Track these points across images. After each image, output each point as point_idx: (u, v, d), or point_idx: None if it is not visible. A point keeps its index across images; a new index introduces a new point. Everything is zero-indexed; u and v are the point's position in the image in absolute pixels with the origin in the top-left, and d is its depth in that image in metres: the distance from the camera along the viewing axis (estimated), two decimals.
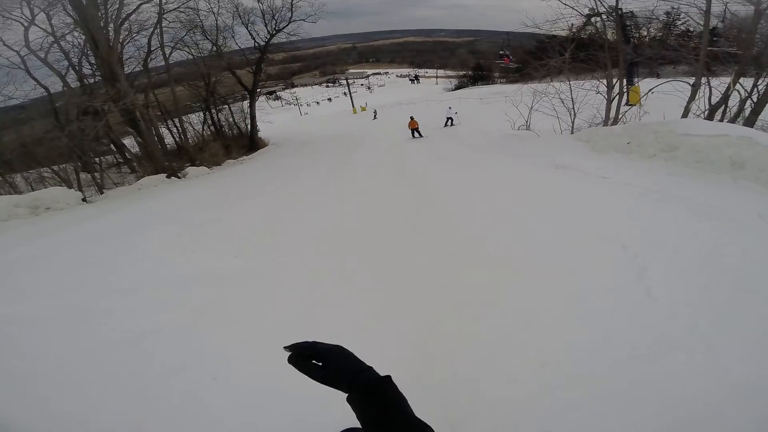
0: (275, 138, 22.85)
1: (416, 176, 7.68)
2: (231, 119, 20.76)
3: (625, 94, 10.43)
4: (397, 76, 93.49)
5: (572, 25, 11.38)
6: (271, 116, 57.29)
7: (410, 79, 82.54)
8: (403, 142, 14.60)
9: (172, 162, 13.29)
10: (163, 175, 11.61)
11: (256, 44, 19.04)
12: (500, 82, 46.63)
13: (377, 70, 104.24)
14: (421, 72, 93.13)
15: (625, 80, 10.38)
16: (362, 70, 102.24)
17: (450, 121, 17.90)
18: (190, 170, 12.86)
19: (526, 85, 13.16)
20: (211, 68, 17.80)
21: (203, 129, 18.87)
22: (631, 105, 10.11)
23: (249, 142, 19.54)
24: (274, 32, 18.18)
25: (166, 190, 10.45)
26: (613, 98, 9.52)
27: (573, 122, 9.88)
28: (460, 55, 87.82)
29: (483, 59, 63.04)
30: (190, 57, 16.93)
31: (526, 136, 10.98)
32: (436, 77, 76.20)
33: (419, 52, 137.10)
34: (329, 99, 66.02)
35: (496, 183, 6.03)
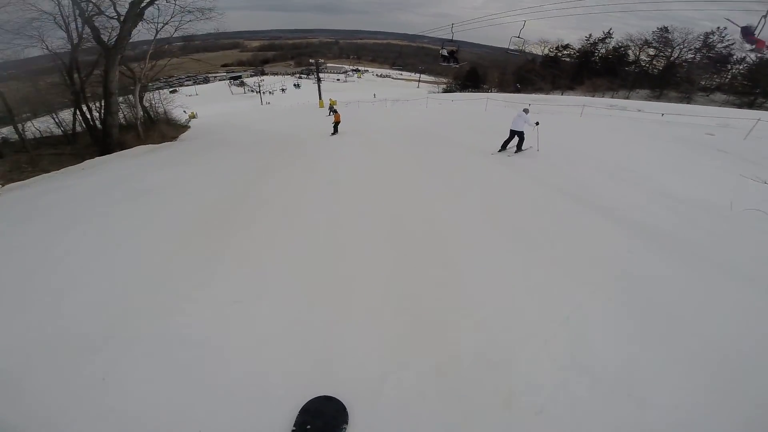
0: (202, 130, 17.82)
1: None
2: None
3: None
4: (376, 75, 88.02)
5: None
6: (229, 104, 50.19)
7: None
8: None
9: None
10: None
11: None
12: (493, 90, 42.43)
13: (357, 67, 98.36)
14: (397, 74, 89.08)
15: None
16: (340, 65, 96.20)
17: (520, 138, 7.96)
18: None
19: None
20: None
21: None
22: None
23: (102, 140, 12.66)
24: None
25: None
26: None
27: None
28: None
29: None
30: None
31: None
32: (419, 81, 71.62)
33: (401, 54, 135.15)
34: (283, 89, 58.96)
35: None
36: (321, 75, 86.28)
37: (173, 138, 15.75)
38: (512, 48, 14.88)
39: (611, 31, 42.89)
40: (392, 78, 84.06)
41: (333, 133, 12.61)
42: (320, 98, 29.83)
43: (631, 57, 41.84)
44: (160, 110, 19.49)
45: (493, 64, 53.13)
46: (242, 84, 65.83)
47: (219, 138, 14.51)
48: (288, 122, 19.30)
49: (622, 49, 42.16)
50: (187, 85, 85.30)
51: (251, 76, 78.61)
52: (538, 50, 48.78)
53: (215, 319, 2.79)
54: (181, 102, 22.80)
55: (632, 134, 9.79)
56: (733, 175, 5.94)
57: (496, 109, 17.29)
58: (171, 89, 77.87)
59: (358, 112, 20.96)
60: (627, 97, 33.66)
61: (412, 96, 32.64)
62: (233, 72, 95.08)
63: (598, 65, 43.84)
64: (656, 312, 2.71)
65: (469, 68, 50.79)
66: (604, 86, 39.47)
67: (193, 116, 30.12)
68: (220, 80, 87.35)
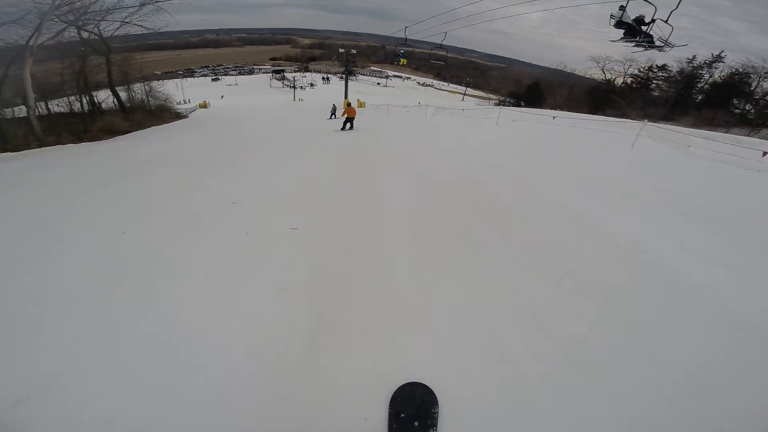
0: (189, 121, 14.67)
1: None
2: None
3: None
4: (418, 83, 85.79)
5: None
6: (262, 96, 49.82)
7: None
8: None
9: None
10: None
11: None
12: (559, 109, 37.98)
13: (399, 73, 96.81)
14: (440, 84, 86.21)
15: None
16: (383, 70, 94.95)
17: None
18: None
19: None
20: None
21: None
22: None
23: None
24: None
25: None
26: None
27: None
28: (492, 77, 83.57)
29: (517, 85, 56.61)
30: None
31: None
32: (464, 93, 68.35)
33: (448, 65, 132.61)
34: (312, 85, 58.28)
35: None
36: (361, 77, 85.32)
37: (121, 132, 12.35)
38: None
39: (722, 55, 34.54)
40: (434, 88, 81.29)
41: (344, 129, 11.84)
42: (346, 97, 27.69)
43: (754, 87, 33.00)
44: (159, 96, 17.58)
45: (557, 81, 47.93)
46: (283, 78, 65.97)
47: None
48: (296, 124, 16.87)
49: (741, 77, 33.72)
50: (232, 75, 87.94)
51: (295, 71, 79.13)
52: (614, 70, 41.77)
53: None
54: (217, 91, 21.37)
55: None
56: None
57: (646, 145, 9.22)
58: (213, 77, 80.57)
59: (380, 120, 16.84)
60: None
61: (460, 106, 28.51)
62: (278, 66, 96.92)
63: (706, 93, 35.57)
64: None
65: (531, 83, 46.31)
66: (720, 120, 31.19)
67: (204, 105, 28.39)
68: (264, 72, 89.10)
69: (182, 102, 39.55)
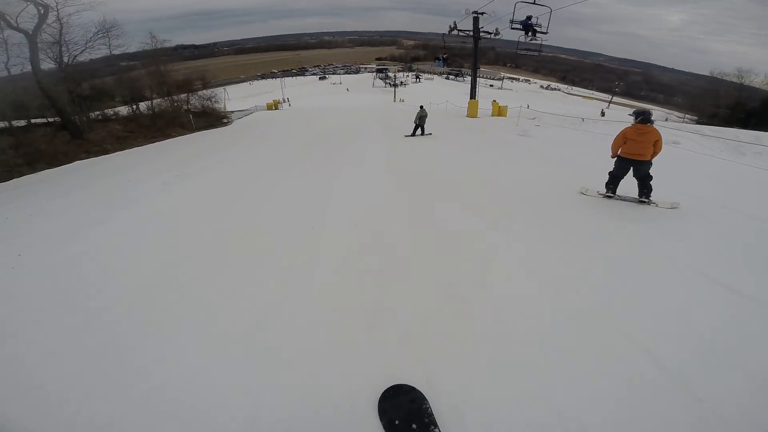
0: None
1: None
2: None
3: None
4: (541, 86, 72.13)
5: None
6: (362, 95, 45.36)
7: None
8: None
9: None
10: None
11: None
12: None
13: (515, 75, 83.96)
14: (567, 88, 70.58)
15: None
16: (496, 71, 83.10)
17: None
18: None
19: None
20: None
21: None
22: None
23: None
24: None
25: None
26: None
27: None
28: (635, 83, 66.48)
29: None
30: None
31: None
32: (610, 102, 53.04)
33: (574, 68, 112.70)
34: (402, 83, 51.11)
35: None
36: (467, 78, 75.89)
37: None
38: None
39: None
40: (563, 92, 66.49)
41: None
42: (473, 97, 19.31)
43: None
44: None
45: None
46: (386, 77, 61.07)
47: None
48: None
49: None
50: (339, 74, 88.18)
51: (399, 71, 73.95)
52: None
53: None
54: (322, 89, 16.87)
55: None
56: None
57: None
58: (321, 76, 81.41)
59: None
60: None
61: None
62: (383, 65, 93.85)
63: None
64: None
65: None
66: None
67: (274, 106, 27.75)
68: (369, 72, 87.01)
69: (284, 102, 37.18)
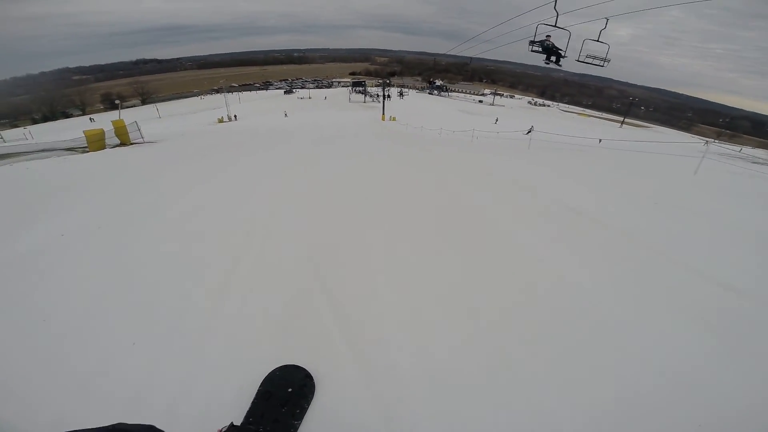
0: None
1: None
2: None
3: None
4: (529, 102, 67.48)
5: None
6: (333, 113, 36.37)
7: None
8: None
9: None
10: None
11: None
12: None
13: (498, 91, 79.41)
14: (556, 105, 66.85)
15: None
16: (474, 87, 78.40)
17: None
18: None
19: None
20: None
21: None
22: None
23: None
24: None
25: None
26: None
27: None
28: (613, 97, 63.96)
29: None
30: None
31: None
32: (623, 121, 48.31)
33: (551, 84, 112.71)
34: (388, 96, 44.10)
35: None
36: (452, 94, 69.55)
37: None
38: None
39: None
40: (559, 109, 61.98)
41: None
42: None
43: None
44: None
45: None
46: (364, 92, 52.79)
47: None
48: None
49: None
50: (309, 88, 79.26)
51: (377, 85, 66.19)
52: None
53: None
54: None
55: None
56: None
57: None
58: (286, 90, 72.11)
59: None
60: None
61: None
62: (358, 79, 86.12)
63: None
64: None
65: None
66: None
67: (221, 121, 23.78)
68: (343, 86, 78.99)
69: (230, 119, 27.86)
